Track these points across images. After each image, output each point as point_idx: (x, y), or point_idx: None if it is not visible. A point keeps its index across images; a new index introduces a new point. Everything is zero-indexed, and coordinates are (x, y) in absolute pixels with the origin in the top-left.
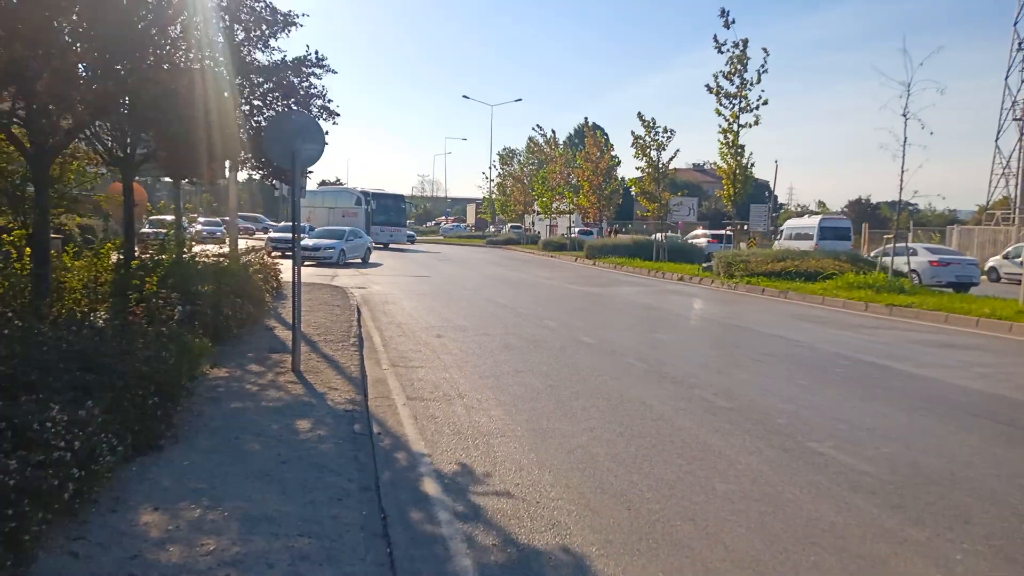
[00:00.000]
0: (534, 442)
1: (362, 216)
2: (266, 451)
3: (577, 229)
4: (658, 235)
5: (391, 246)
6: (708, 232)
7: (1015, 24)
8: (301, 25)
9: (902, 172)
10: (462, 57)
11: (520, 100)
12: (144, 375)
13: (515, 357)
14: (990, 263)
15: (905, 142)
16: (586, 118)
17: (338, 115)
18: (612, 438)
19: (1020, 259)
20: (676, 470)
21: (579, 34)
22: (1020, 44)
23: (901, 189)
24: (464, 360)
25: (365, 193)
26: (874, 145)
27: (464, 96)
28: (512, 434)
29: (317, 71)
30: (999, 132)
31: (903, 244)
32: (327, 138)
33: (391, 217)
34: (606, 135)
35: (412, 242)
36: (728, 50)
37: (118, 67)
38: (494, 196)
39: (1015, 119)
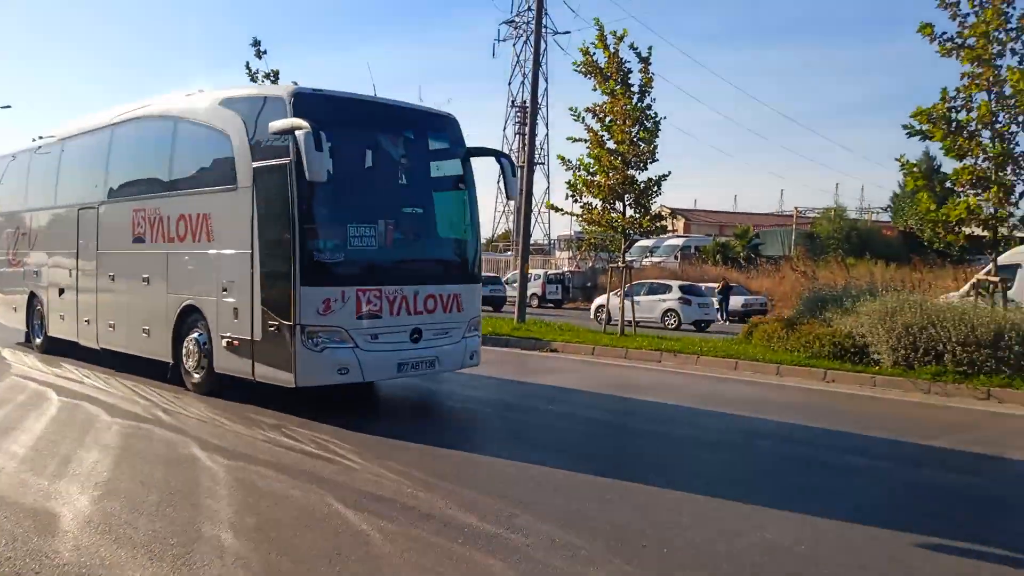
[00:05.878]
0: None
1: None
2: None
3: None
4: None
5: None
6: None
7: (509, 84)
8: None
9: None
10: None
11: (9, 107)
12: None
13: None
14: None
15: None
16: None
17: None
18: None
19: (515, 283)
20: None
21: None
22: (513, 101)
23: None
24: None
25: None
26: None
27: None
28: None
29: None
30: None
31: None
32: None
33: (417, 239)
34: None
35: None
36: (261, 80)
37: None
38: None
39: None
